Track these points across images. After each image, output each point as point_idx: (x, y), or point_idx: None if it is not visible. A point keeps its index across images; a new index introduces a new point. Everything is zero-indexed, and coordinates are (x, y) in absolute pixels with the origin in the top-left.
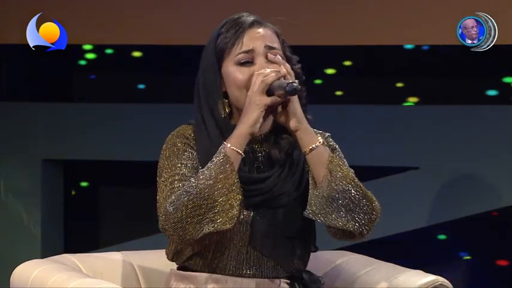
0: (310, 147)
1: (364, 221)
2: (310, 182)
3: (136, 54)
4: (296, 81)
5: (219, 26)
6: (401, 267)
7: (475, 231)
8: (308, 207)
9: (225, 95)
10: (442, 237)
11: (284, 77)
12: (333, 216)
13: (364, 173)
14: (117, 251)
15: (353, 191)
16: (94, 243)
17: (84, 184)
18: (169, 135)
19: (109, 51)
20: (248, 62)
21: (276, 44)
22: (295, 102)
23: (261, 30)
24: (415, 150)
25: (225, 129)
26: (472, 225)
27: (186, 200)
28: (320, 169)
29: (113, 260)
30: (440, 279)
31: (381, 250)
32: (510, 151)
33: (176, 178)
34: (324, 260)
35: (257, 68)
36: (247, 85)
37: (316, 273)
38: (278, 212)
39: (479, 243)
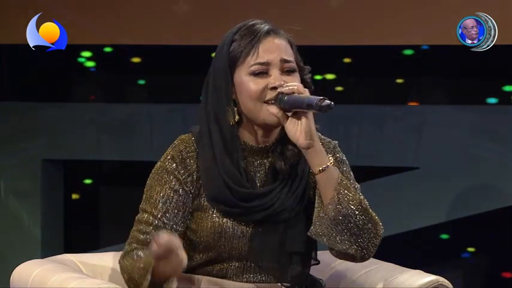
0: (320, 168)
1: (367, 245)
2: (316, 201)
3: (136, 54)
4: (325, 98)
5: (231, 32)
6: (401, 267)
7: (475, 231)
8: (312, 227)
9: (234, 103)
10: (444, 236)
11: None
12: (337, 239)
13: (365, 173)
14: (117, 251)
15: (359, 216)
16: (94, 243)
17: (88, 181)
18: (169, 149)
19: (108, 49)
20: (262, 73)
21: (290, 56)
22: (310, 119)
23: (276, 40)
24: (415, 150)
25: (230, 141)
26: (472, 225)
27: (126, 277)
28: (328, 190)
29: (112, 260)
30: (440, 279)
31: (381, 250)
32: (510, 151)
33: (144, 219)
34: (324, 260)
35: (272, 80)
36: (260, 96)
37: (316, 273)
38: (279, 227)
39: (479, 243)
